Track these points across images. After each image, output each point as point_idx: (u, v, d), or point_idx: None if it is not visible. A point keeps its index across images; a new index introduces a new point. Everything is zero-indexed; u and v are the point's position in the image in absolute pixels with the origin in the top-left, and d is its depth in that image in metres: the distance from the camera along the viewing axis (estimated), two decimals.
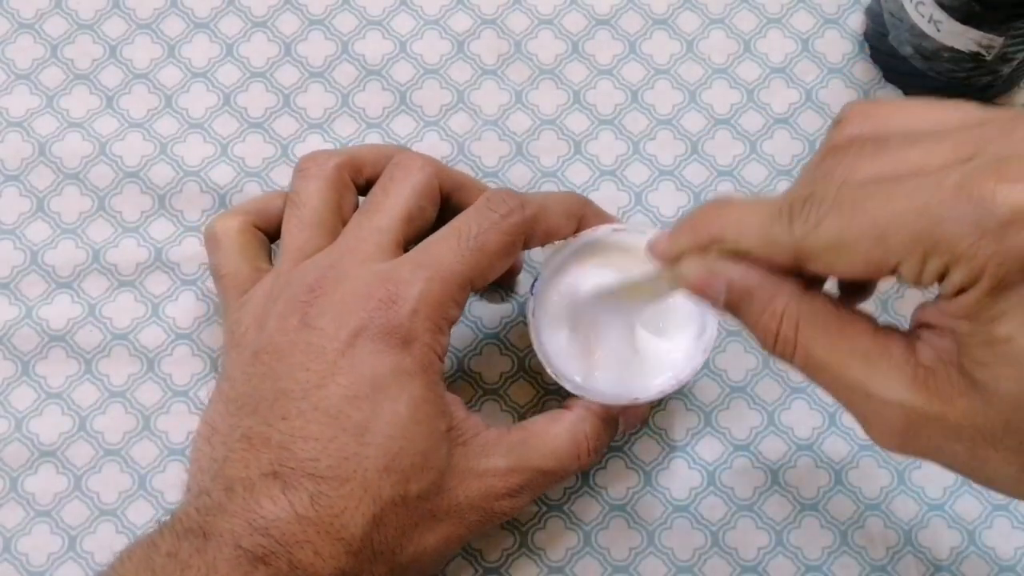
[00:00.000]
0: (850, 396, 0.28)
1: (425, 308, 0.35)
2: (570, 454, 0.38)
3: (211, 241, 0.40)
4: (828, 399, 0.42)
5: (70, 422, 0.42)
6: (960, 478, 0.41)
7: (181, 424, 0.42)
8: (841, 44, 0.46)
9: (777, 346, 0.29)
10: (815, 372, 0.29)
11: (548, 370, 0.39)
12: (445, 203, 0.39)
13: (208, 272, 0.44)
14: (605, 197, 0.45)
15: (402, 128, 0.46)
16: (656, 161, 0.45)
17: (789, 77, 0.46)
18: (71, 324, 0.43)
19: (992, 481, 0.28)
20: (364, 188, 0.40)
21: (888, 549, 0.41)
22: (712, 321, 0.39)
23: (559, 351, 0.39)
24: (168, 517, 0.34)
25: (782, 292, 0.29)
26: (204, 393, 0.42)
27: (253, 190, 0.45)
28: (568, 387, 0.39)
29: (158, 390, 0.43)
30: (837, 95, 0.46)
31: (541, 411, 0.41)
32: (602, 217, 0.40)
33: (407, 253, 0.37)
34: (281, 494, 0.33)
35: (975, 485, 0.41)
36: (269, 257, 0.41)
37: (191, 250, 0.44)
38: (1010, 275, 0.25)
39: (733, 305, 0.30)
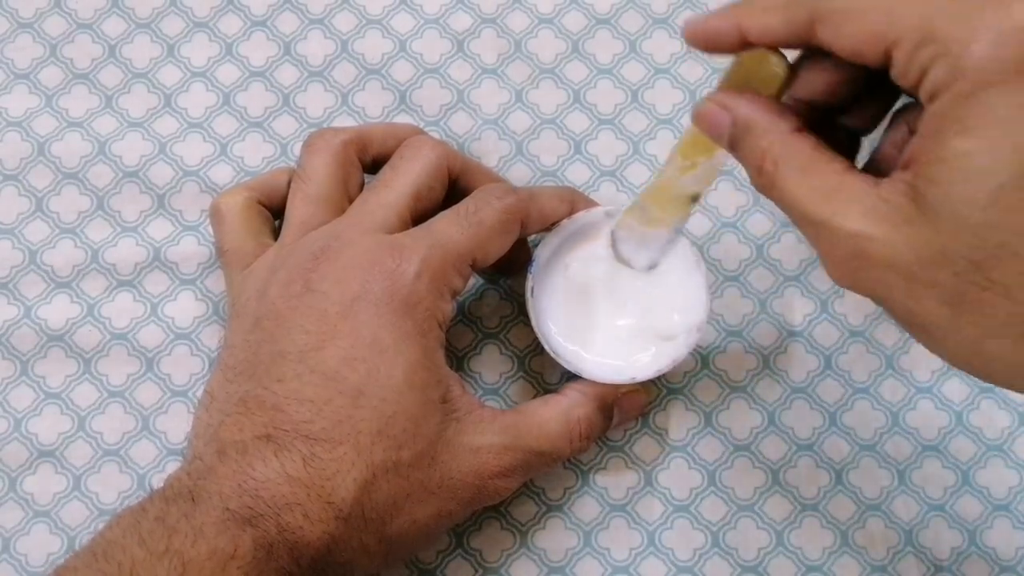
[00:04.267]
0: (813, 231, 0.29)
1: (428, 272, 0.36)
2: (562, 437, 0.38)
3: (215, 216, 0.41)
4: (829, 399, 0.42)
5: (69, 422, 0.42)
6: (962, 477, 0.41)
7: (180, 424, 0.42)
8: None
9: (760, 179, 0.31)
10: (787, 208, 0.30)
11: (546, 347, 0.39)
12: (453, 186, 0.40)
13: (206, 272, 0.44)
14: (605, 197, 0.44)
15: None
16: (656, 161, 0.45)
17: None
18: (70, 324, 0.43)
19: (926, 326, 0.28)
20: (370, 166, 0.41)
21: (889, 549, 0.41)
22: (705, 301, 0.40)
23: (557, 331, 0.40)
24: (162, 483, 0.34)
25: (773, 130, 0.30)
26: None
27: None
28: (565, 365, 0.39)
29: (157, 390, 0.43)
30: None
31: None
32: (592, 205, 0.41)
33: (412, 228, 0.38)
34: (273, 456, 0.33)
35: (977, 485, 0.41)
36: (273, 233, 0.41)
37: (190, 250, 0.44)
38: (984, 83, 0.25)
39: (734, 141, 0.31)
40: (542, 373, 0.43)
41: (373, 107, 0.46)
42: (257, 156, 0.45)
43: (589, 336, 0.40)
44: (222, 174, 0.45)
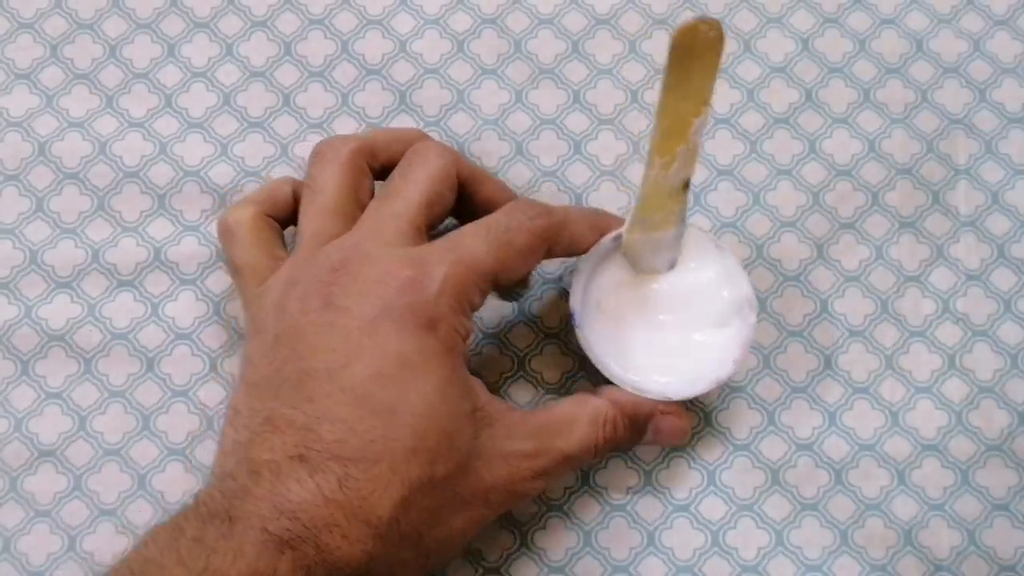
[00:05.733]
0: None
1: (451, 289, 0.36)
2: (588, 439, 0.38)
3: (226, 234, 0.40)
4: (828, 399, 0.42)
5: (70, 422, 0.42)
6: (962, 477, 0.41)
7: (180, 424, 0.42)
8: (841, 43, 0.46)
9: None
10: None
11: (630, 389, 0.39)
12: (460, 191, 0.40)
13: (207, 272, 0.44)
14: (605, 197, 0.44)
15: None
16: None
17: (789, 77, 0.46)
18: (70, 324, 0.43)
19: None
20: (379, 173, 0.40)
21: (888, 549, 0.41)
22: (743, 275, 0.40)
23: (627, 370, 0.39)
24: (191, 500, 0.34)
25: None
26: (203, 393, 0.42)
27: (253, 190, 0.45)
28: (658, 398, 0.39)
29: (157, 390, 0.43)
30: (837, 95, 0.46)
31: None
32: (621, 224, 0.40)
33: (436, 240, 0.37)
34: (308, 477, 0.33)
35: (975, 485, 0.41)
36: (284, 245, 0.41)
37: (190, 250, 0.44)
38: None
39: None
40: (542, 373, 0.43)
41: (373, 107, 0.46)
42: (258, 156, 0.45)
43: (655, 360, 0.40)
44: (223, 174, 0.45)
